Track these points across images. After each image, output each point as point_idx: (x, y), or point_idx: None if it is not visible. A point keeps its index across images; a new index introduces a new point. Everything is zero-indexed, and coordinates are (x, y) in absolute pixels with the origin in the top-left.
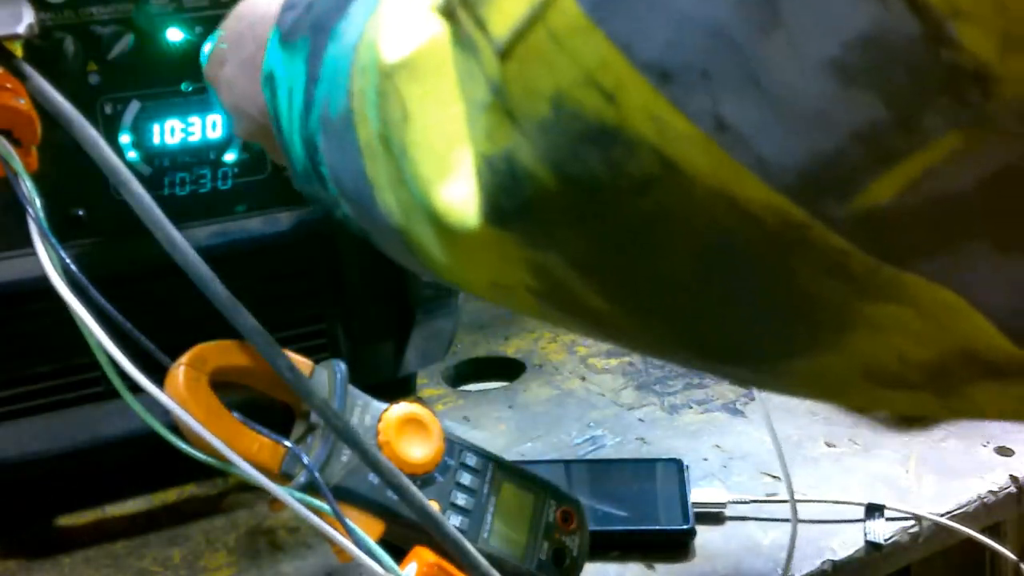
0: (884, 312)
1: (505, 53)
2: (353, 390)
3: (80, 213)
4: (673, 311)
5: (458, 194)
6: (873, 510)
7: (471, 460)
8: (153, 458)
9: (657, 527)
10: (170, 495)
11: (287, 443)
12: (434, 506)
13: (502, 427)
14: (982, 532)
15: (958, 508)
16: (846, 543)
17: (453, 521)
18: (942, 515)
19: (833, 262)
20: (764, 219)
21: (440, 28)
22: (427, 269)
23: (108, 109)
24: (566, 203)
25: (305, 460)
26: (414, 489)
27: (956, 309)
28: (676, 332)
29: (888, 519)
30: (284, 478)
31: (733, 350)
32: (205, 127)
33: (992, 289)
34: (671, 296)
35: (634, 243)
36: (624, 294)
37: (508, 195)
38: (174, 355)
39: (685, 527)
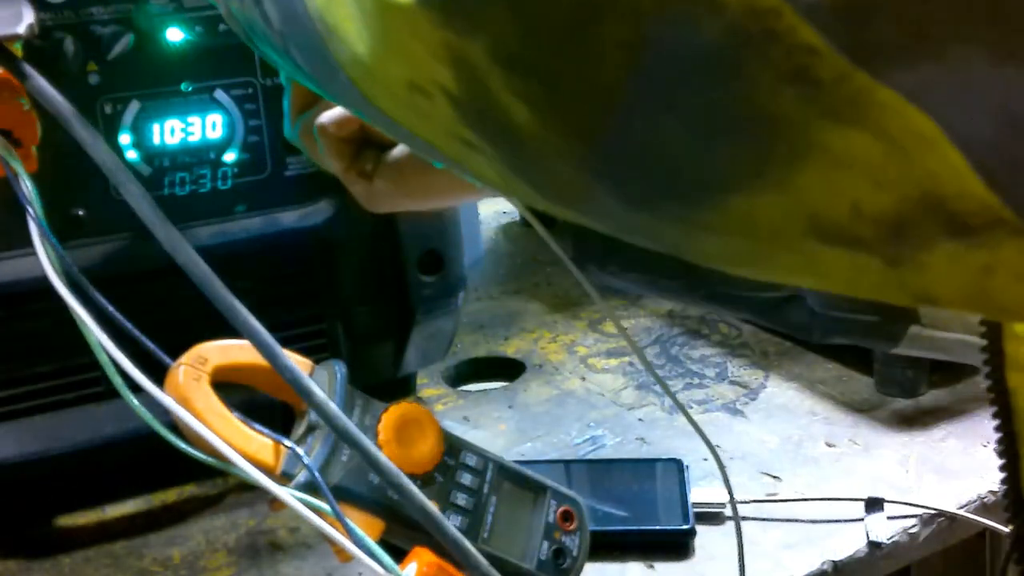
0: (845, 140)
1: None
2: (353, 390)
3: (80, 213)
4: (600, 126)
5: None
6: (873, 504)
7: (471, 460)
8: (153, 458)
9: (657, 527)
10: (170, 495)
11: (287, 443)
12: (434, 506)
13: (502, 427)
14: (981, 534)
15: (958, 508)
16: (846, 543)
17: (453, 521)
18: (942, 515)
19: (798, 65)
20: (726, 3)
21: None
22: (339, 67)
23: (108, 109)
24: None
25: (305, 460)
26: (414, 489)
27: (928, 140)
28: (600, 156)
29: (889, 517)
30: (284, 478)
31: (662, 182)
32: (205, 127)
33: (974, 113)
34: (601, 105)
35: (569, 34)
36: (549, 100)
37: None
38: (174, 355)
39: (685, 527)
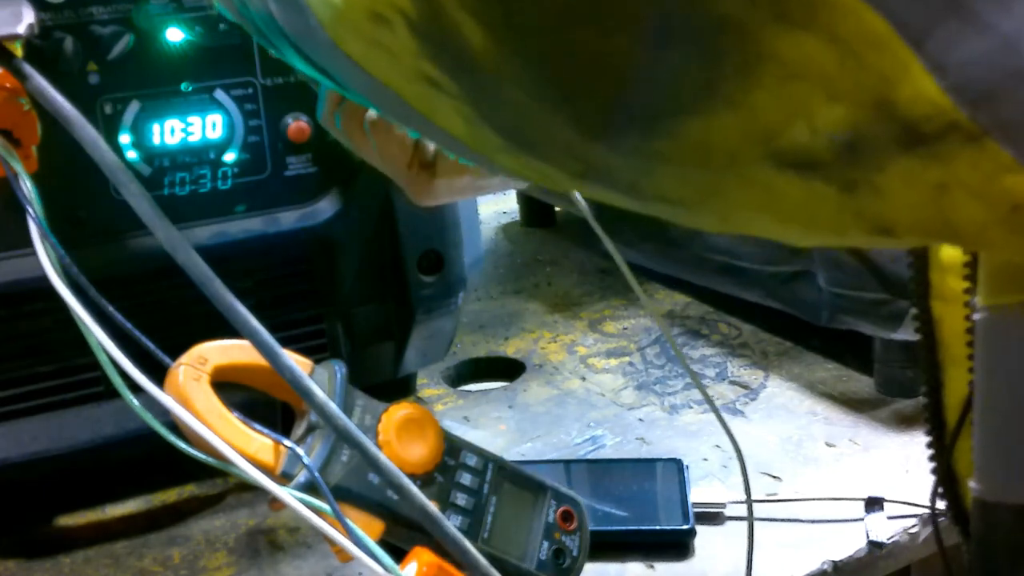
0: (798, 48)
1: None
2: (353, 390)
3: (80, 213)
4: (558, 46)
5: None
6: (873, 504)
7: (471, 460)
8: (153, 458)
9: (657, 527)
10: (170, 495)
11: (287, 443)
12: (434, 506)
13: (502, 427)
14: None
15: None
16: (846, 543)
17: (453, 521)
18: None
19: None
20: None
21: None
22: (309, 10)
23: (108, 109)
24: None
25: (305, 460)
26: (414, 489)
27: (880, 41)
28: (555, 82)
29: (889, 517)
30: (284, 478)
31: (618, 107)
32: (205, 127)
33: (922, 7)
34: (551, 19)
35: None
36: (503, 18)
37: None
38: (174, 355)
39: (685, 527)
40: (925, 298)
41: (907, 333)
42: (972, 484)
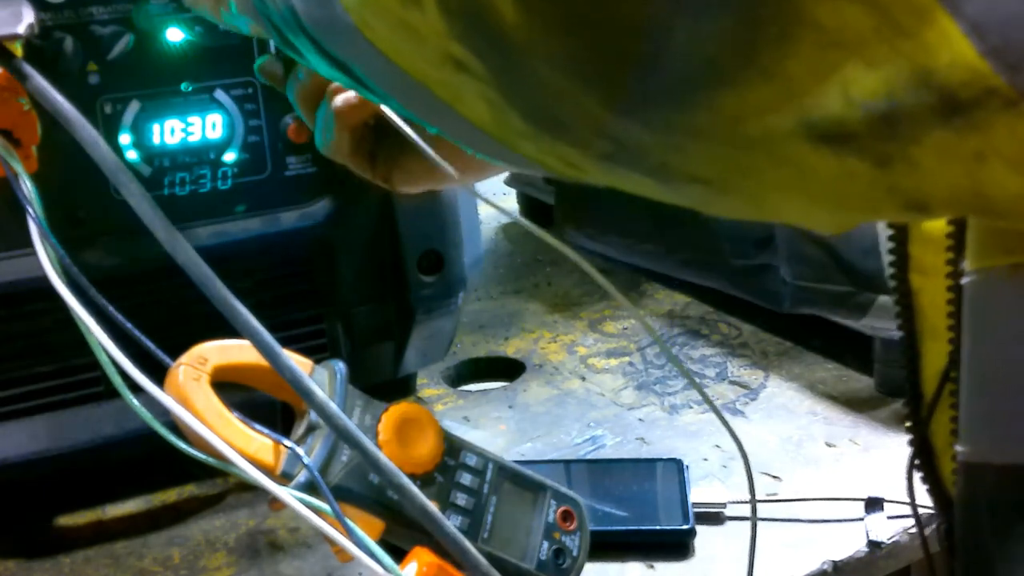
0: (837, 14)
1: None
2: (353, 390)
3: (80, 213)
4: (594, 14)
5: None
6: (873, 504)
7: (471, 460)
8: (153, 458)
9: (657, 527)
10: (170, 495)
11: (287, 443)
12: (434, 506)
13: (502, 427)
14: None
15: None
16: (846, 543)
17: (453, 521)
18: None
19: None
20: None
21: None
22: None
23: (108, 109)
24: None
25: (305, 460)
26: (414, 489)
27: (919, 7)
28: (589, 53)
29: (889, 517)
30: (284, 478)
31: (653, 78)
32: (205, 127)
33: None
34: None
35: None
36: None
37: None
38: (174, 355)
39: (685, 527)
40: (904, 270)
41: (873, 320)
42: (958, 447)
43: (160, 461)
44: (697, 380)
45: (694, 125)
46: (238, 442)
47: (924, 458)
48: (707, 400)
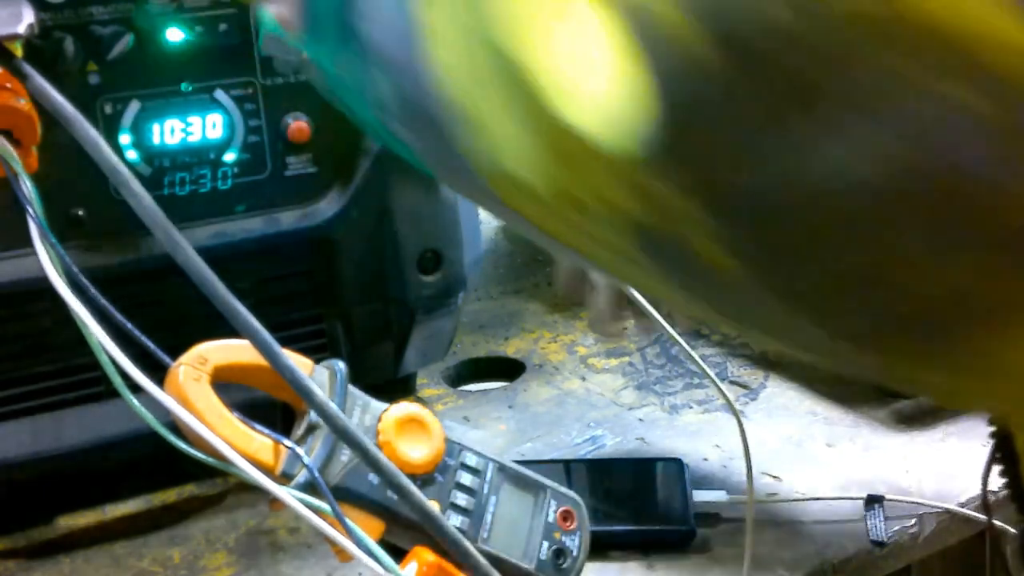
0: None
1: None
2: (353, 390)
3: (80, 213)
4: (820, 266)
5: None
6: (873, 503)
7: (471, 460)
8: (153, 458)
9: (657, 527)
10: (170, 495)
11: (287, 443)
12: (434, 506)
13: (502, 427)
14: (981, 534)
15: (958, 507)
16: (846, 543)
17: (453, 521)
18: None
19: None
20: None
21: None
22: (461, 156)
23: (108, 109)
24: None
25: (305, 460)
26: (414, 489)
27: None
28: (818, 295)
29: (889, 517)
30: (284, 478)
31: (892, 315)
32: (205, 127)
33: None
34: (822, 247)
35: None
36: (758, 249)
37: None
38: (174, 355)
39: (685, 527)
40: None
41: None
42: None
43: (160, 461)
44: (697, 380)
45: (952, 362)
46: (238, 442)
47: (1008, 465)
48: (721, 392)
